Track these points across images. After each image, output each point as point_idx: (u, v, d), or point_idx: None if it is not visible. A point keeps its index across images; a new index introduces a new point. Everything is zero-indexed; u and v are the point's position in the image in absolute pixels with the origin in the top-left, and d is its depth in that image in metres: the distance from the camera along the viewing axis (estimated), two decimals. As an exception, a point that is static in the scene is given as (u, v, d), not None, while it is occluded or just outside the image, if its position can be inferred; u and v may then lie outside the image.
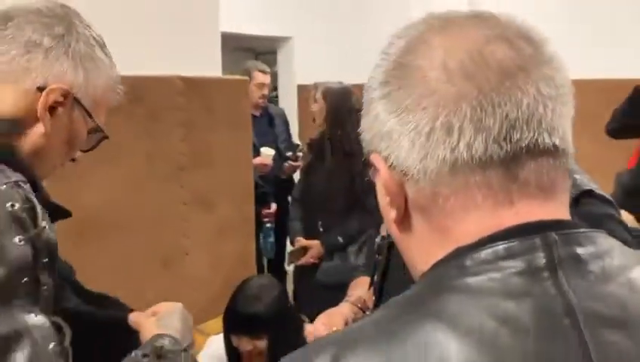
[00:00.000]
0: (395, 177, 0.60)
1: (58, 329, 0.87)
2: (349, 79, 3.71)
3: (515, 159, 0.56)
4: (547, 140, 0.56)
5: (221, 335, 1.94)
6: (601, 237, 0.58)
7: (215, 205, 2.56)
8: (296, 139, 4.79)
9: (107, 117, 2.39)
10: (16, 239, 0.83)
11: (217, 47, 2.57)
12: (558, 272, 0.54)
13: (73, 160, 1.11)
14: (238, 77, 2.88)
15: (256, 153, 3.49)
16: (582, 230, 0.57)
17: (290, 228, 3.47)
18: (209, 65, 2.55)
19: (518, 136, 0.55)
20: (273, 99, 5.37)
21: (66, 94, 1.00)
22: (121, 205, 2.22)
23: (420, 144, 0.57)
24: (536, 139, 0.56)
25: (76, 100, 1.02)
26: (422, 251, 0.61)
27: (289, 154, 4.08)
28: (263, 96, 3.95)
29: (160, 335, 1.08)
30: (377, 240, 1.42)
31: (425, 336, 0.52)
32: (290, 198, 3.73)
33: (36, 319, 0.82)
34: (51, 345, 0.83)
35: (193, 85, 2.40)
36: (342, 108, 3.31)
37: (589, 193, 1.26)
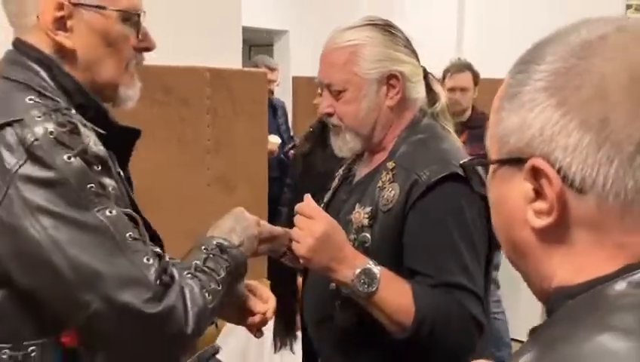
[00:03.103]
0: (561, 188, 0.57)
1: (131, 218, 1.00)
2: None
3: None
4: None
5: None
6: None
7: (234, 186, 2.79)
8: (291, 129, 5.04)
9: (140, 103, 2.63)
10: (64, 157, 0.93)
11: (239, 42, 2.79)
12: None
13: (146, 49, 1.13)
14: (257, 70, 3.10)
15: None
16: None
17: (279, 214, 3.80)
18: (231, 57, 2.77)
19: None
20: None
21: (61, 5, 1.01)
22: (154, 187, 2.43)
23: (621, 162, 0.54)
24: None
25: (75, 4, 1.02)
26: (574, 264, 0.59)
27: (297, 140, 4.35)
28: (269, 91, 4.22)
29: (211, 237, 1.15)
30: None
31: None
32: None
33: (110, 213, 0.95)
34: (128, 234, 0.97)
35: (219, 76, 2.62)
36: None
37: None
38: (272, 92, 4.32)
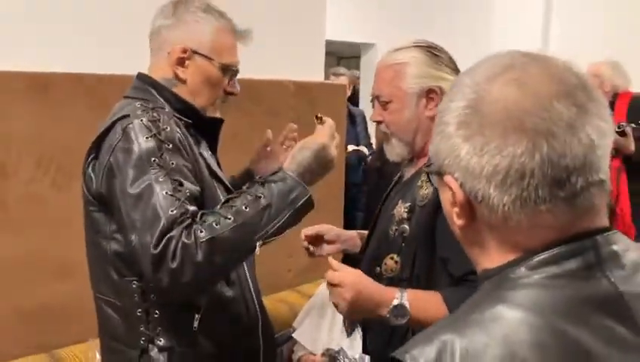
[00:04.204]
0: (466, 196, 0.73)
1: (179, 184, 1.28)
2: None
3: (573, 194, 0.69)
4: (596, 177, 0.70)
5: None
6: (622, 236, 0.74)
7: (313, 188, 3.04)
8: (373, 137, 5.25)
9: (233, 113, 2.95)
10: (144, 137, 1.29)
11: (322, 56, 3.04)
12: (604, 267, 0.69)
13: (231, 93, 1.52)
14: (337, 82, 3.35)
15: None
16: (616, 235, 0.73)
17: (355, 217, 4.01)
18: (314, 70, 3.03)
19: (575, 179, 0.69)
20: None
21: (185, 50, 1.44)
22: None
23: (497, 183, 0.70)
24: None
25: (194, 52, 1.44)
26: (486, 255, 0.76)
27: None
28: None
29: (275, 172, 1.38)
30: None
31: (514, 323, 0.66)
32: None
33: (161, 179, 1.26)
34: (165, 191, 1.24)
35: (302, 88, 2.89)
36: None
37: None
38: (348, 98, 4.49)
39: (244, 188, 1.36)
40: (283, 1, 2.92)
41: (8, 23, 2.13)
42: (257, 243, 1.30)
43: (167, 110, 1.39)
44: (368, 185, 4.15)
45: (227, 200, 1.32)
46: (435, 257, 1.43)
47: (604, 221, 0.73)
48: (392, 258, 1.53)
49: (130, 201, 1.26)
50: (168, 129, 1.33)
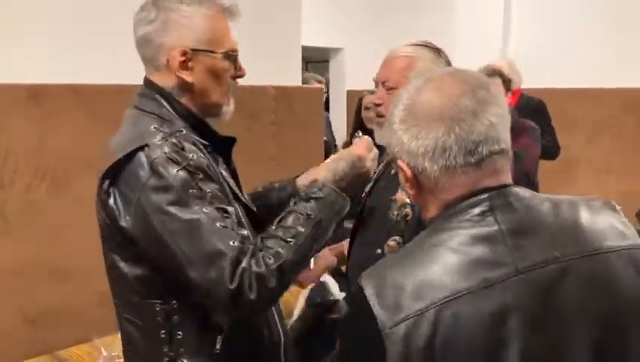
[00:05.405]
0: (412, 172, 1.02)
1: (224, 211, 1.26)
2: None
3: (480, 159, 0.98)
4: (497, 147, 0.99)
5: None
6: (523, 190, 1.03)
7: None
8: (345, 139, 5.41)
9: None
10: (174, 171, 1.23)
11: (299, 62, 3.19)
12: (495, 212, 0.98)
13: (240, 76, 1.45)
14: (314, 86, 3.50)
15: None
16: (513, 189, 1.01)
17: None
18: (292, 75, 3.17)
19: (481, 148, 0.98)
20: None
21: (184, 52, 1.33)
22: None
23: (429, 157, 0.99)
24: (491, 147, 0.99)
25: (194, 50, 1.34)
26: (429, 210, 1.05)
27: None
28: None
29: (312, 183, 1.43)
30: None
31: (433, 254, 0.97)
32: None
33: (206, 210, 1.22)
34: (217, 223, 1.22)
35: (282, 92, 3.03)
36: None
37: None
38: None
39: (291, 205, 1.36)
40: (262, 12, 3.05)
41: (3, 36, 2.21)
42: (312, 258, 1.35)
43: (184, 133, 1.33)
44: None
45: (280, 221, 1.33)
46: None
47: (506, 179, 1.02)
48: (394, 240, 1.64)
49: (182, 239, 1.22)
50: (195, 157, 1.28)
